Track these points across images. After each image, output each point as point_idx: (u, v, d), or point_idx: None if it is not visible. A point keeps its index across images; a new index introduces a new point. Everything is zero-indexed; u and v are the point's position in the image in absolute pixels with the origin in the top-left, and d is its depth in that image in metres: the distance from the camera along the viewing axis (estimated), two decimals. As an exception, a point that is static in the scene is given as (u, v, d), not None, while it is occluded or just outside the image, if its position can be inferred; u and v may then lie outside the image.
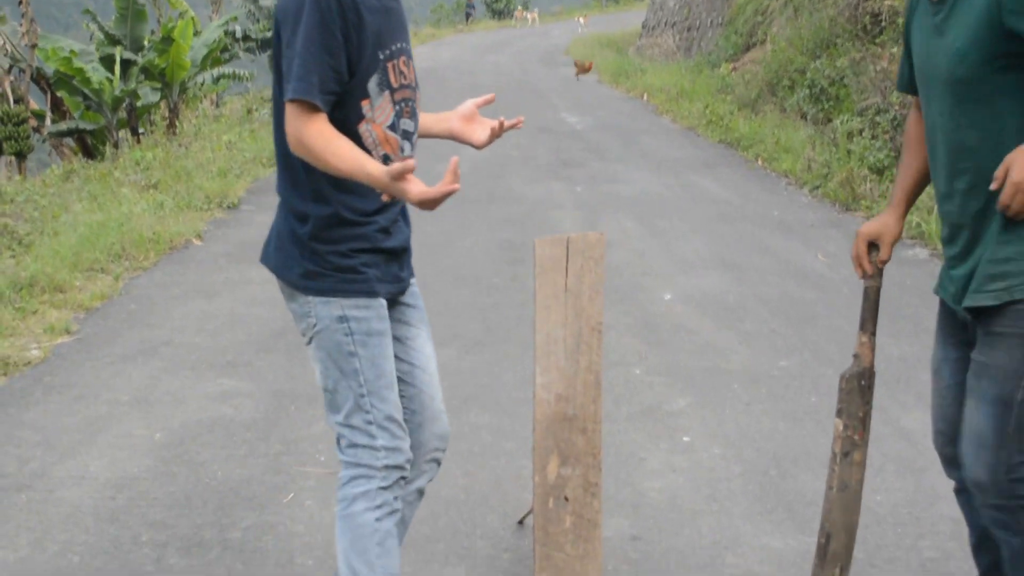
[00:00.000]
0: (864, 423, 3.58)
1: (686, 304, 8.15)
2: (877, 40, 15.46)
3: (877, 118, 12.73)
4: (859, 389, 3.58)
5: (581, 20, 52.15)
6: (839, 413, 3.59)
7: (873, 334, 3.60)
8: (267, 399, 6.29)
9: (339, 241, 3.23)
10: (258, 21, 39.76)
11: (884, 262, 3.55)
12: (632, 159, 15.11)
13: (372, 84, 3.18)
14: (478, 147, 3.62)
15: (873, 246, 3.56)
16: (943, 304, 3.43)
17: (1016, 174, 2.89)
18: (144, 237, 9.83)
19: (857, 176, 11.77)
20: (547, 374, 3.95)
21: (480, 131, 3.61)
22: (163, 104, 21.93)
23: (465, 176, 14.00)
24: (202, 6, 39.92)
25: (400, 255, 3.42)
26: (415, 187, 2.92)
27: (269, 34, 38.58)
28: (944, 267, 3.36)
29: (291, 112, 3.06)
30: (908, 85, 3.49)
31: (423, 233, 10.43)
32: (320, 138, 3.03)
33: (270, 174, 14.06)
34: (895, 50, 13.59)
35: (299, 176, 3.22)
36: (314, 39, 3.03)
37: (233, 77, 25.65)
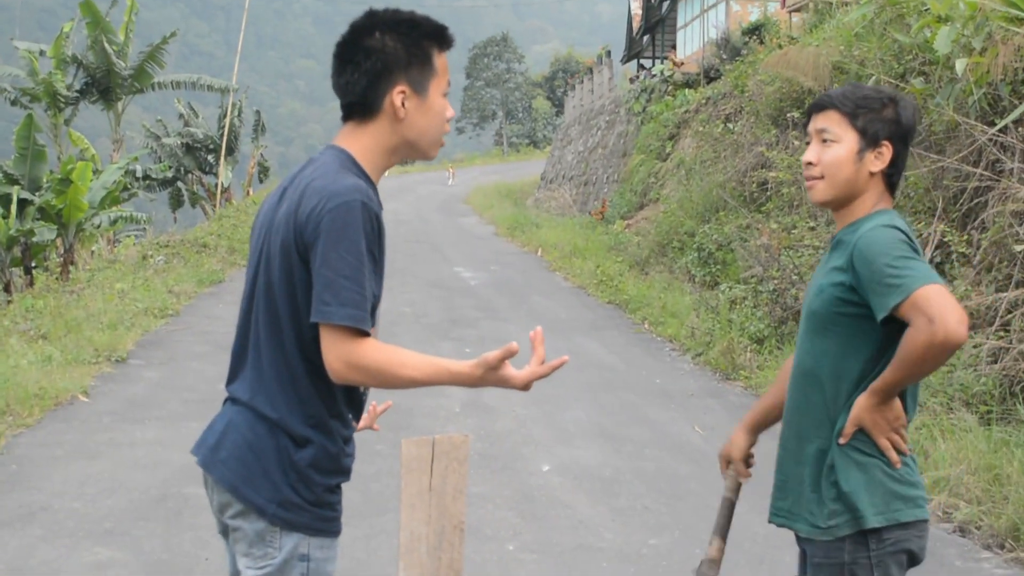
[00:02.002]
0: None
1: (563, 476, 8.34)
2: (763, 208, 15.99)
3: (759, 287, 13.13)
4: None
5: (450, 173, 51.99)
6: None
7: (724, 540, 3.79)
8: (142, 571, 6.32)
9: (331, 473, 3.13)
10: (160, 160, 39.80)
11: (742, 477, 3.76)
12: (522, 319, 15.39)
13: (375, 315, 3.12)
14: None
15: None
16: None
17: (853, 412, 3.25)
18: (29, 392, 9.84)
19: (737, 345, 12.13)
20: (410, 570, 4.08)
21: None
22: (59, 242, 21.89)
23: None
24: (105, 141, 39.90)
25: None
26: (517, 372, 3.05)
27: (170, 174, 38.72)
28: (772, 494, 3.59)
29: (337, 337, 2.92)
30: None
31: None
32: (381, 356, 2.95)
33: (160, 326, 14.12)
34: (774, 226, 14.08)
35: (308, 399, 3.07)
36: (364, 261, 2.94)
37: (130, 219, 25.76)
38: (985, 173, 9.85)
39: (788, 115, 16.94)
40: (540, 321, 14.89)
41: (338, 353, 2.92)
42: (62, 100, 31.62)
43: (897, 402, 3.24)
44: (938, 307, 3.02)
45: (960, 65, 9.62)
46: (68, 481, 7.93)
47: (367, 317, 2.95)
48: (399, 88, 3.11)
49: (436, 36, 3.18)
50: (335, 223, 2.92)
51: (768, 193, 16.35)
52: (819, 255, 12.44)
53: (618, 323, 15.47)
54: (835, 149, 3.38)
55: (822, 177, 3.40)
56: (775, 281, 12.67)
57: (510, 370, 3.06)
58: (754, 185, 17.30)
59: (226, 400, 3.25)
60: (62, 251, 21.97)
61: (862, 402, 3.23)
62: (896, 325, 3.16)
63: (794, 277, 12.33)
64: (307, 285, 2.99)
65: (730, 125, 20.39)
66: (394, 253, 24.10)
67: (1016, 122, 9.67)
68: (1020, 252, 8.93)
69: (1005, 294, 8.76)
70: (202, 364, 11.92)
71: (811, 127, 3.47)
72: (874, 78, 11.64)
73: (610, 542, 6.98)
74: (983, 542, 6.91)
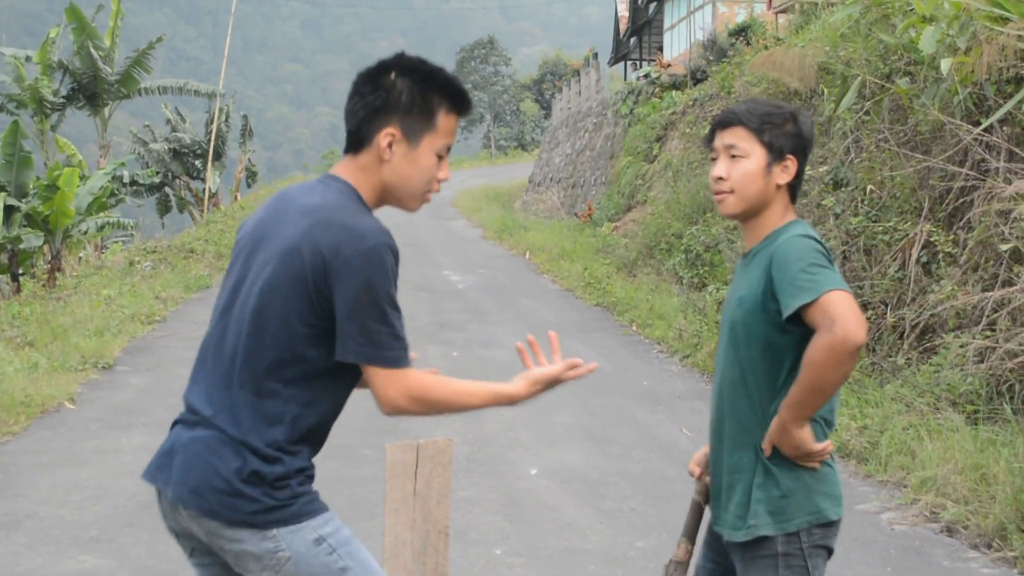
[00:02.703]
0: None
1: (551, 479, 8.33)
2: (750, 210, 15.98)
3: (746, 289, 13.14)
4: None
5: None
6: None
7: (693, 542, 3.81)
8: (128, 578, 6.32)
9: (302, 479, 3.13)
10: (147, 166, 39.76)
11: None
12: (510, 322, 15.38)
13: None
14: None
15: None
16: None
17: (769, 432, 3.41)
18: (16, 400, 9.81)
19: (725, 347, 12.12)
20: (395, 575, 4.08)
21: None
22: (46, 248, 21.85)
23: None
24: (92, 147, 39.85)
25: None
26: (556, 372, 3.30)
27: (157, 179, 38.67)
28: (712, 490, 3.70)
29: (391, 376, 3.05)
30: None
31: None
32: (438, 388, 3.13)
33: (147, 332, 14.09)
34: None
35: (284, 423, 3.09)
36: (393, 302, 3.06)
37: (117, 225, 25.73)
38: (971, 173, 9.87)
39: (774, 116, 16.94)
40: (528, 324, 14.92)
41: (400, 389, 3.06)
42: (48, 106, 31.55)
43: (804, 431, 3.34)
44: (841, 310, 3.18)
45: (945, 65, 9.62)
46: (54, 488, 7.91)
47: (407, 355, 3.10)
48: (389, 129, 3.16)
49: (448, 94, 3.22)
50: (369, 266, 3.00)
51: (755, 194, 16.36)
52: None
53: (606, 325, 15.48)
54: (744, 164, 3.50)
55: (732, 191, 3.52)
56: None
57: (548, 372, 3.32)
58: (741, 186, 17.30)
59: (177, 422, 3.25)
60: (49, 258, 21.93)
61: (775, 422, 3.36)
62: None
63: (781, 278, 12.32)
64: (315, 315, 3.06)
65: (717, 126, 20.38)
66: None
67: (1001, 121, 9.68)
68: (1006, 251, 8.95)
69: (991, 293, 8.77)
70: (189, 370, 11.76)
71: (718, 143, 3.58)
72: (859, 79, 11.64)
73: (597, 544, 6.98)
74: (970, 542, 6.92)
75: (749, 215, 3.55)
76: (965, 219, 9.78)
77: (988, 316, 8.74)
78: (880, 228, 10.99)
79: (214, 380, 3.18)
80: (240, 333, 3.14)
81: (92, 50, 32.25)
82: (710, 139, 3.63)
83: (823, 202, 12.61)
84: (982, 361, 8.64)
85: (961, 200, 10.18)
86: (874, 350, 10.32)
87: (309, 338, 3.08)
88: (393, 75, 3.16)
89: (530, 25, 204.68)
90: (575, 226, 26.78)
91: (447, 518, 4.15)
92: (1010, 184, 8.78)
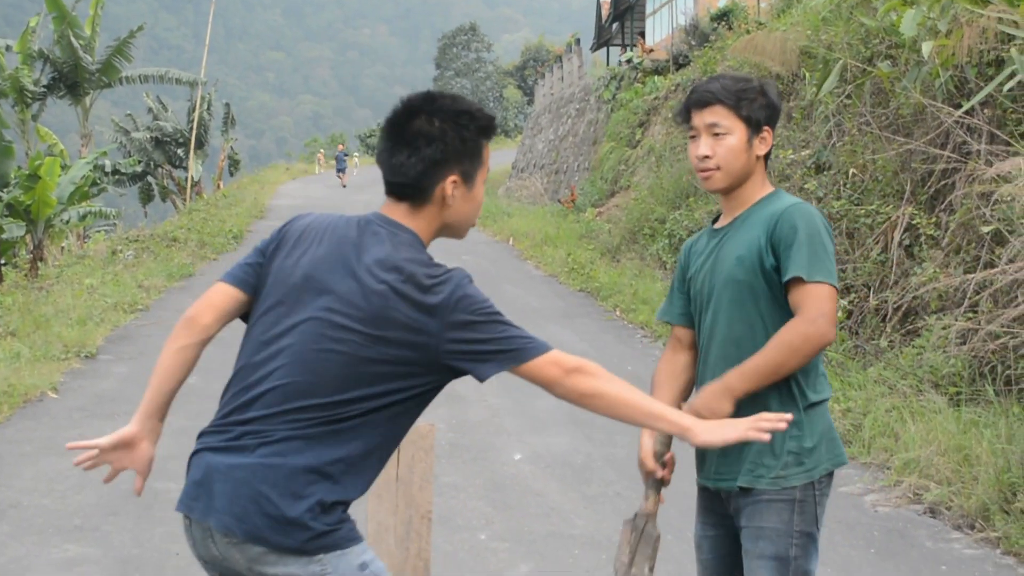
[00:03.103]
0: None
1: (535, 464, 8.34)
2: (732, 194, 16.01)
3: (729, 273, 13.14)
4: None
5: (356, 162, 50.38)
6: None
7: (659, 492, 3.87)
8: (113, 566, 6.30)
9: (344, 507, 3.10)
10: (129, 155, 39.67)
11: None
12: (494, 308, 15.34)
13: None
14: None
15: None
16: (703, 488, 3.82)
17: (696, 403, 3.57)
18: (-2, 390, 9.79)
19: (708, 331, 12.14)
20: (378, 561, 4.08)
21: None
22: (28, 238, 21.79)
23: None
24: (74, 136, 39.80)
25: None
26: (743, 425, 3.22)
27: (139, 168, 38.58)
28: (708, 455, 3.71)
29: (543, 365, 3.20)
30: (677, 316, 3.91)
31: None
32: (617, 385, 3.19)
33: (130, 321, 14.06)
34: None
35: (356, 451, 3.12)
36: (499, 313, 3.17)
37: (99, 214, 25.66)
38: (952, 155, 9.89)
39: (757, 100, 16.97)
40: (512, 310, 14.87)
41: (558, 365, 3.19)
42: (29, 95, 31.46)
43: (731, 405, 3.47)
44: (828, 307, 3.40)
45: (926, 48, 9.63)
46: (37, 478, 7.89)
47: (542, 341, 3.21)
48: (452, 178, 3.17)
49: (487, 129, 3.25)
50: (467, 301, 3.08)
51: (738, 178, 16.39)
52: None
53: (589, 311, 15.49)
54: (728, 140, 3.60)
55: (718, 168, 3.62)
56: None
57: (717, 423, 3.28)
58: (723, 170, 17.32)
59: (204, 449, 3.16)
60: (31, 247, 21.87)
61: (718, 386, 3.50)
62: None
63: (764, 262, 12.34)
64: (397, 358, 3.09)
65: (699, 111, 20.40)
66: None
67: (982, 104, 9.70)
68: (987, 233, 8.97)
69: (973, 275, 8.79)
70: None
71: (697, 122, 3.66)
72: (841, 62, 11.65)
73: (582, 529, 6.99)
74: (953, 523, 6.94)
75: (733, 188, 3.66)
76: (947, 201, 9.81)
77: (970, 298, 8.76)
78: (862, 211, 11.02)
79: (258, 408, 3.13)
80: (304, 363, 3.12)
81: (73, 39, 32.17)
82: (686, 117, 3.70)
83: (805, 186, 12.62)
84: (964, 343, 8.66)
85: (943, 183, 10.21)
86: (857, 333, 10.35)
87: (384, 376, 3.11)
88: (438, 123, 3.15)
89: (512, 11, 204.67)
90: (558, 212, 26.79)
91: (430, 503, 4.15)
92: (991, 166, 8.79)
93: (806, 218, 3.49)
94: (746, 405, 3.45)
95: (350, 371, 3.08)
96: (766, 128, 3.64)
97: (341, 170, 46.00)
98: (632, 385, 3.16)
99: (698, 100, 3.64)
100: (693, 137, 3.66)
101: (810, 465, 3.51)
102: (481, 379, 3.15)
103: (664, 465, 3.83)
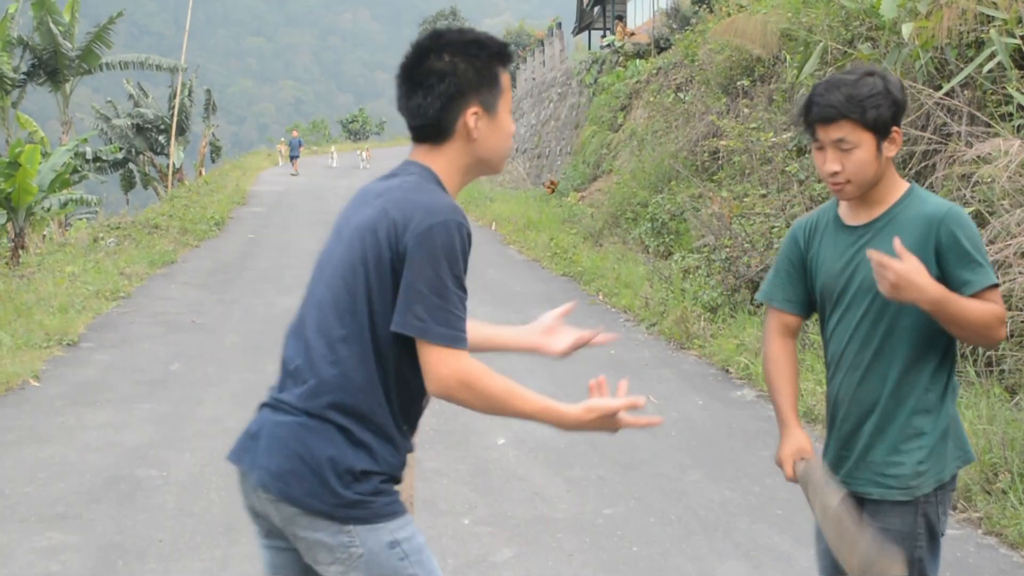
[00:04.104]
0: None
1: (518, 449, 8.35)
2: (715, 177, 16.03)
3: (712, 256, 13.16)
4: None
5: (363, 155, 48.28)
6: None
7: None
8: (95, 554, 6.28)
9: (385, 478, 3.09)
10: (110, 142, 39.53)
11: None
12: (476, 292, 15.28)
13: None
14: (559, 355, 3.73)
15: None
16: None
17: (893, 269, 3.31)
18: (-21, 378, 9.76)
19: (691, 314, 12.16)
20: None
21: (560, 340, 3.74)
22: (9, 226, 21.71)
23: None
24: (54, 123, 39.63)
25: None
26: (614, 405, 3.23)
27: (121, 155, 38.44)
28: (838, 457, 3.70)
29: (440, 356, 2.95)
30: (787, 302, 3.82)
31: (261, 373, 10.53)
32: (500, 384, 3.03)
33: (111, 309, 14.02)
34: (725, 194, 14.12)
35: (383, 409, 3.07)
36: (460, 282, 3.01)
37: (81, 202, 25.58)
38: (933, 137, 9.91)
39: (738, 83, 16.99)
40: (494, 294, 14.92)
41: (453, 369, 2.96)
42: (9, 82, 31.34)
43: (930, 290, 3.35)
44: (1003, 309, 3.43)
45: (906, 30, 9.66)
46: (19, 466, 7.86)
47: (465, 336, 2.99)
48: (472, 109, 3.14)
49: (501, 55, 3.21)
50: (435, 240, 2.96)
51: (719, 162, 16.41)
52: (770, 222, 12.49)
53: (572, 295, 15.46)
54: (857, 154, 3.49)
55: (848, 182, 3.53)
56: (727, 249, 12.71)
57: (623, 418, 3.27)
58: (705, 154, 17.36)
59: (264, 405, 3.20)
60: (12, 235, 21.78)
61: (937, 290, 3.36)
62: None
63: (746, 245, 12.37)
64: (391, 291, 3.02)
65: (681, 95, 20.44)
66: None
67: (962, 85, 9.72)
68: (969, 214, 8.98)
69: (954, 257, 8.80)
70: (154, 345, 11.84)
71: (822, 136, 3.54)
72: (821, 44, 11.66)
73: (565, 513, 6.99)
74: (935, 503, 6.96)
75: (866, 191, 3.57)
76: (928, 183, 9.81)
77: (951, 279, 8.78)
78: (844, 193, 11.01)
79: (308, 370, 3.11)
80: (335, 320, 3.09)
81: (52, 25, 32.04)
82: (809, 129, 3.60)
83: (787, 168, 12.64)
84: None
85: (924, 164, 10.22)
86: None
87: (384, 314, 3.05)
88: (447, 57, 3.13)
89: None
90: (541, 196, 26.78)
91: (412, 487, 4.14)
92: (971, 147, 8.81)
93: (964, 224, 3.44)
94: (903, 374, 3.49)
95: (347, 304, 3.05)
96: (895, 129, 3.52)
97: (294, 157, 44.95)
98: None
99: (823, 117, 3.51)
100: (820, 149, 3.56)
101: (938, 468, 3.50)
102: (391, 327, 3.01)
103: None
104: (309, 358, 3.09)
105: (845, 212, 3.68)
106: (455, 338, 2.96)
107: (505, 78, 3.22)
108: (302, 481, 3.01)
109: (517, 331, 3.76)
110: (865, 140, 3.46)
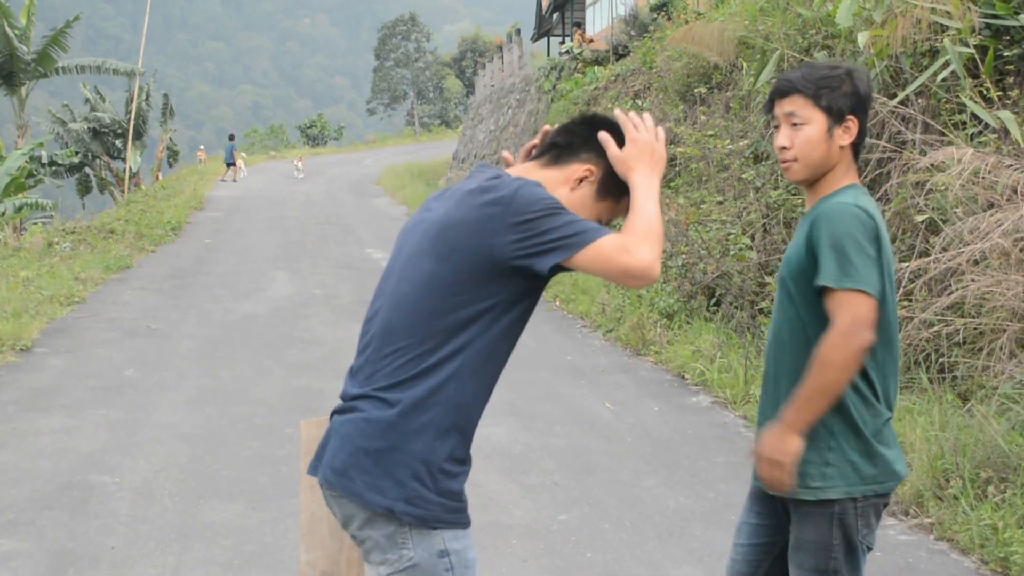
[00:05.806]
0: None
1: (475, 454, 8.31)
2: (672, 184, 16.07)
3: (668, 262, 13.19)
4: None
5: (298, 164, 46.46)
6: None
7: None
8: (47, 561, 6.22)
9: (459, 462, 3.09)
10: (67, 146, 39.24)
11: None
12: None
13: None
14: None
15: None
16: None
17: (760, 447, 3.46)
18: (-69, 384, 9.67)
19: (647, 321, 12.20)
20: (312, 552, 4.05)
21: None
22: (-37, 232, 21.54)
23: (264, 317, 14.04)
24: (10, 127, 39.25)
25: None
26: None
27: (77, 159, 38.17)
28: None
29: (603, 247, 2.94)
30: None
31: (217, 379, 10.47)
32: (638, 220, 3.08)
33: (66, 314, 13.92)
34: (682, 201, 14.17)
35: (462, 402, 3.07)
36: (562, 207, 3.04)
37: (36, 206, 25.39)
38: (887, 145, 9.97)
39: (695, 90, 17.04)
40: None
41: (621, 246, 2.93)
42: (-37, 86, 31.05)
43: (797, 440, 3.42)
44: (863, 312, 3.33)
45: (862, 38, 9.72)
46: (-30, 472, 7.80)
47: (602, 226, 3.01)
48: (590, 166, 3.21)
49: (621, 187, 3.23)
50: (529, 193, 2.98)
51: (676, 169, 16.44)
52: (726, 229, 12.55)
53: (530, 301, 15.48)
54: (805, 131, 3.53)
55: (796, 159, 3.56)
56: (684, 256, 12.75)
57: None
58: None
59: (334, 412, 3.19)
60: (-34, 241, 21.63)
61: (777, 430, 3.44)
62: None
63: (702, 252, 12.41)
64: (477, 284, 2.99)
65: (639, 101, 20.48)
66: (304, 235, 23.99)
67: (916, 93, 9.80)
68: (922, 222, 9.06)
69: (908, 264, 8.87)
70: (108, 351, 11.76)
71: (778, 111, 3.61)
72: (778, 52, 11.73)
73: (520, 519, 6.99)
74: (887, 509, 7.00)
75: (815, 179, 3.61)
76: (882, 190, 9.88)
77: (905, 286, 8.84)
78: (800, 201, 11.09)
79: (387, 363, 3.09)
80: (424, 317, 3.05)
81: (7, 29, 31.77)
82: (770, 107, 3.66)
83: (743, 175, 12.69)
84: (899, 331, 8.74)
85: (878, 172, 10.29)
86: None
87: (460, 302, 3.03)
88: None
89: (453, 1, 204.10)
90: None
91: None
92: (925, 156, 8.87)
93: (835, 220, 3.40)
94: (814, 431, 3.45)
95: (426, 303, 3.02)
96: (850, 117, 3.53)
97: (230, 164, 43.43)
98: None
99: (779, 89, 3.60)
100: (776, 127, 3.62)
101: (849, 479, 3.47)
102: (541, 272, 2.96)
103: None
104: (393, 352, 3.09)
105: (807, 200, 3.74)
106: (599, 230, 2.96)
107: (619, 204, 3.27)
108: (367, 474, 3.02)
109: None
110: (816, 119, 3.51)
